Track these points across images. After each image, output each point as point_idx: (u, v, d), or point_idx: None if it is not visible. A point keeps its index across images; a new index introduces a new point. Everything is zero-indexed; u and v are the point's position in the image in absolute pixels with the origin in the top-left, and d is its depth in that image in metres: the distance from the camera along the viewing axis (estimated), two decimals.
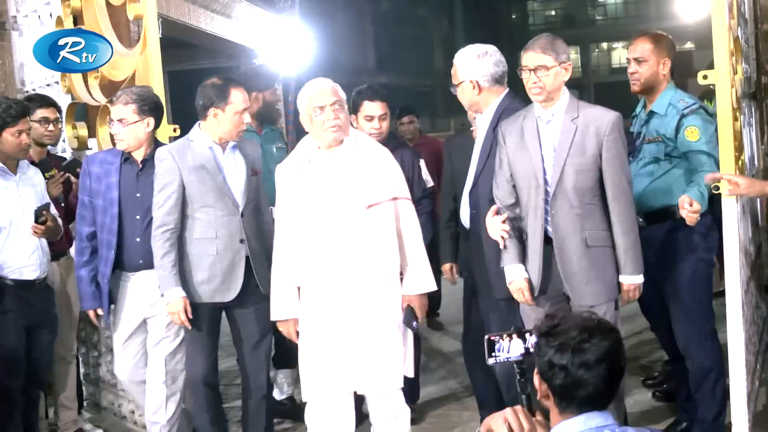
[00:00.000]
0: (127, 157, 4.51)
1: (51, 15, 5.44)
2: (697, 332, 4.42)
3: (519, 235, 4.04)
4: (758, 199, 5.31)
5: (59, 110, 5.17)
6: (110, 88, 4.76)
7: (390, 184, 4.12)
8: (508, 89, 4.39)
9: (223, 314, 4.55)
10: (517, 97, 4.35)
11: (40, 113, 5.00)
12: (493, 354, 2.75)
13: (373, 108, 4.86)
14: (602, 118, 3.93)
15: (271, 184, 4.39)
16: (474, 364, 4.76)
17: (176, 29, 9.79)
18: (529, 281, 4.01)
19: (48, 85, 5.53)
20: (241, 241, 4.38)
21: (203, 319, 4.41)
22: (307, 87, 4.14)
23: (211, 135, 4.36)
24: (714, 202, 4.23)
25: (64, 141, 5.44)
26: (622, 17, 45.86)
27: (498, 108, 4.34)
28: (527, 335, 2.73)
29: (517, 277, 4.03)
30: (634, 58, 4.50)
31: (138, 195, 4.48)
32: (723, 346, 4.31)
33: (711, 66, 3.93)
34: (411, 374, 4.22)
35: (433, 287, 4.23)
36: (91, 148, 5.24)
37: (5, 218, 4.50)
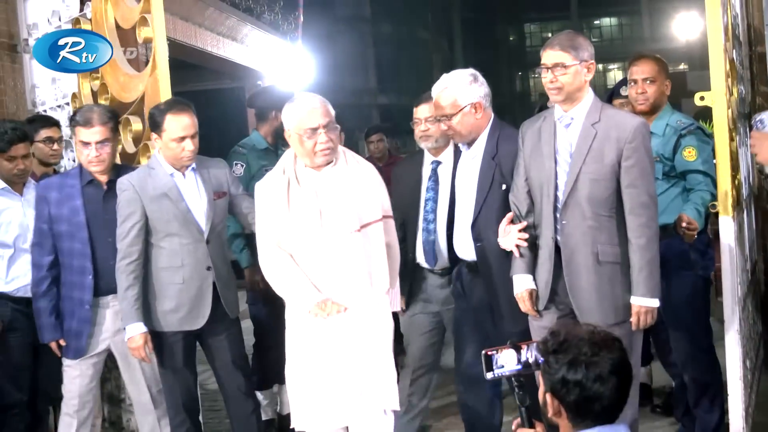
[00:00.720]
0: (90, 180, 4.32)
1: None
2: (695, 348, 4.42)
3: (532, 243, 3.82)
4: (753, 218, 5.31)
5: (62, 129, 5.13)
6: (120, 110, 4.76)
7: (380, 203, 3.90)
8: (493, 113, 4.21)
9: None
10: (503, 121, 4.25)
11: (44, 133, 4.95)
12: (492, 369, 2.71)
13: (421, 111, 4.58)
14: (625, 123, 3.64)
15: None
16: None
17: (183, 51, 9.84)
18: (535, 292, 3.81)
19: (59, 106, 5.54)
20: (208, 269, 4.22)
21: (175, 347, 4.26)
22: (296, 105, 3.82)
23: (169, 161, 4.21)
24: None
25: (73, 160, 5.43)
26: (617, 39, 46.06)
27: (492, 132, 4.14)
28: (523, 348, 2.70)
29: (522, 288, 3.83)
30: (643, 79, 4.45)
31: (106, 217, 4.26)
32: (720, 360, 4.30)
33: (705, 86, 3.94)
34: (398, 407, 3.91)
35: (400, 307, 4.30)
36: None
37: (11, 238, 4.50)
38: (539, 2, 41.52)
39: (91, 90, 5.08)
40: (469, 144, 4.16)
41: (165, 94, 4.50)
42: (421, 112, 4.49)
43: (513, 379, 2.70)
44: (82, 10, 5.19)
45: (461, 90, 4.10)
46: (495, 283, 4.05)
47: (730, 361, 3.99)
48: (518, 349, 2.70)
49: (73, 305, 4.34)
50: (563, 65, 3.63)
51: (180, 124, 4.11)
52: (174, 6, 9.08)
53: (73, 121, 4.33)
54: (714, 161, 4.27)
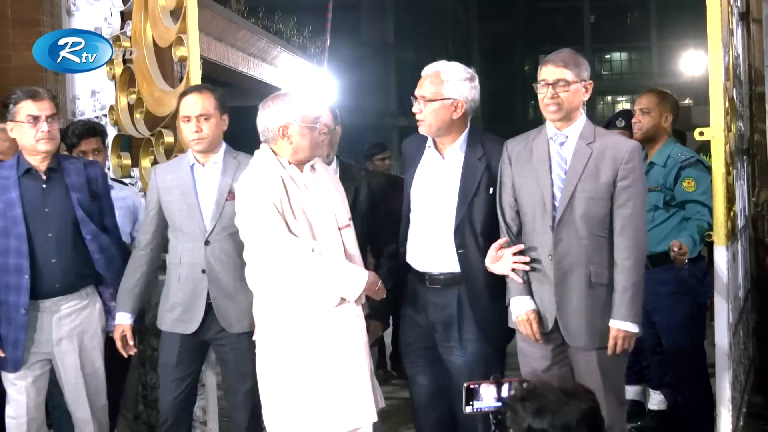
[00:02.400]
0: (28, 169, 3.76)
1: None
2: (689, 370, 4.41)
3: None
4: (747, 248, 5.29)
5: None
6: (154, 123, 4.79)
7: (347, 206, 3.61)
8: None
9: None
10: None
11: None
12: (471, 402, 2.55)
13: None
14: (620, 144, 3.47)
15: None
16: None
17: (215, 70, 9.93)
18: (539, 314, 3.48)
19: (96, 117, 5.57)
20: (203, 272, 3.78)
21: (170, 348, 3.90)
22: (298, 97, 3.55)
23: (188, 148, 3.92)
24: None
25: (108, 169, 5.47)
26: (626, 73, 46.05)
27: (472, 138, 3.71)
28: (505, 384, 2.54)
29: (524, 309, 3.47)
30: (639, 109, 4.52)
31: (47, 210, 3.74)
32: (712, 383, 4.28)
33: (708, 121, 3.95)
34: (383, 404, 3.62)
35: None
36: (133, 176, 5.26)
37: None
38: (554, 35, 41.47)
39: (128, 103, 5.12)
40: (439, 147, 3.76)
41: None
42: None
43: (491, 415, 2.55)
44: (122, 27, 5.24)
45: (452, 82, 3.65)
46: (479, 294, 3.66)
47: (720, 384, 3.97)
48: (500, 385, 2.55)
49: (8, 311, 3.73)
50: (566, 81, 3.41)
51: (186, 104, 3.84)
52: (209, 27, 9.17)
53: (14, 98, 3.76)
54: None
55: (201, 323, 3.83)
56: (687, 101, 31.33)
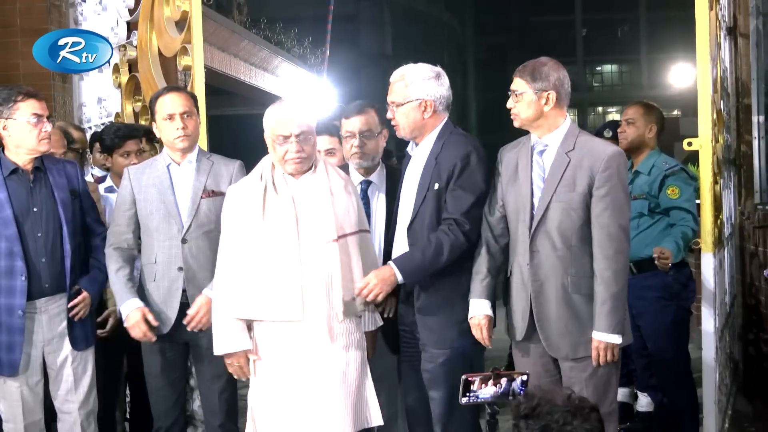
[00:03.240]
0: (14, 170, 3.61)
1: (109, 63, 5.49)
2: (674, 373, 4.42)
3: (496, 269, 3.48)
4: (733, 255, 5.30)
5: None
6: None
7: (356, 215, 3.47)
8: (447, 116, 3.67)
9: None
10: (458, 126, 3.75)
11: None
12: (467, 394, 2.55)
13: (350, 125, 3.90)
14: (599, 152, 3.29)
15: None
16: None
17: (218, 78, 9.93)
18: (492, 320, 3.44)
19: (103, 123, 5.57)
20: (179, 269, 3.68)
21: (154, 356, 3.78)
22: (274, 110, 3.44)
23: (167, 146, 3.80)
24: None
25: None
26: (617, 84, 46.05)
27: (441, 134, 3.61)
28: (503, 378, 2.55)
29: (479, 313, 3.41)
30: (625, 119, 4.57)
31: (35, 210, 3.61)
32: (698, 381, 4.29)
33: (696, 132, 3.97)
34: (381, 422, 3.47)
35: (380, 323, 3.60)
36: None
37: None
38: (547, 48, 41.53)
39: (133, 110, 5.12)
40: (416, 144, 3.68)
41: (201, 116, 4.51)
42: (352, 125, 3.88)
43: (487, 406, 2.56)
44: (128, 37, 5.25)
45: (417, 83, 3.59)
46: (429, 294, 3.54)
47: (706, 387, 3.98)
48: (498, 378, 2.55)
49: (1, 314, 3.60)
50: (518, 92, 3.36)
51: (168, 102, 3.73)
52: (212, 37, 9.17)
53: (12, 95, 3.60)
54: (696, 200, 4.34)
55: (178, 324, 3.69)
56: (675, 112, 31.42)
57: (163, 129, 3.77)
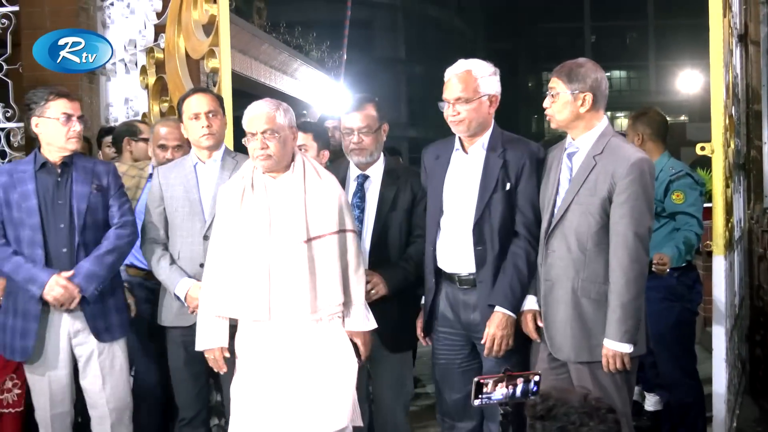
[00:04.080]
0: (43, 164, 3.65)
1: (136, 64, 5.51)
2: (680, 372, 4.41)
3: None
4: (742, 258, 5.28)
5: None
6: None
7: (334, 215, 3.37)
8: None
9: None
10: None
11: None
12: (480, 396, 2.52)
13: (349, 121, 3.76)
14: (624, 158, 3.17)
15: None
16: None
17: (238, 81, 9.94)
18: (538, 315, 3.37)
19: None
20: (201, 266, 3.63)
21: (177, 350, 3.80)
22: (248, 108, 3.43)
23: (194, 145, 3.84)
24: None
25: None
26: (625, 90, 45.90)
27: (495, 133, 3.53)
28: (518, 379, 2.51)
29: (526, 307, 3.39)
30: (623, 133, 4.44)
31: (60, 202, 3.62)
32: (705, 381, 4.27)
33: (703, 137, 3.94)
34: (359, 423, 3.44)
35: (374, 326, 3.46)
36: None
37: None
38: (556, 54, 41.49)
39: (160, 110, 5.12)
40: (463, 145, 3.58)
41: (227, 116, 4.50)
42: (352, 121, 3.74)
43: (500, 407, 2.52)
44: (156, 40, 5.25)
45: (485, 77, 3.48)
46: (489, 293, 3.45)
47: (716, 387, 3.95)
48: (511, 379, 2.52)
49: (17, 300, 3.64)
50: (555, 92, 3.27)
51: (194, 102, 3.77)
52: (233, 41, 9.13)
53: (45, 95, 3.65)
54: (701, 205, 4.38)
55: None
56: (683, 118, 31.33)
57: (189, 128, 3.79)
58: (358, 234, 3.55)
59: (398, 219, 3.72)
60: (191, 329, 3.64)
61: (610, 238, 3.17)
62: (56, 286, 3.54)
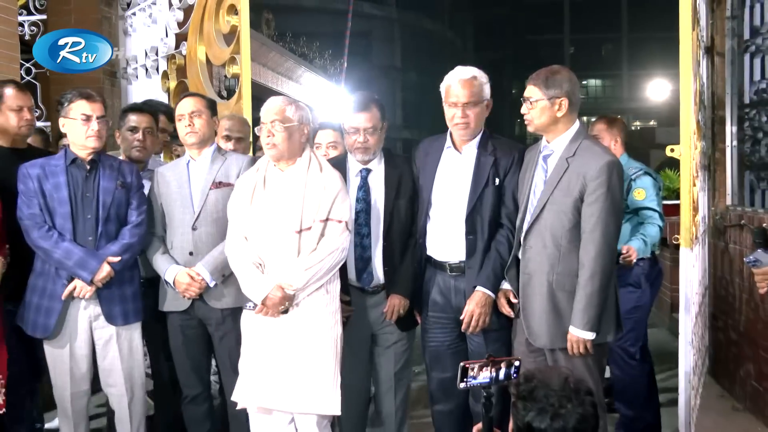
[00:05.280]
0: (74, 159, 3.65)
1: (157, 70, 5.49)
2: (627, 352, 4.44)
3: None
4: (706, 251, 5.29)
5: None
6: None
7: (324, 206, 3.35)
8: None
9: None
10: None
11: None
12: (465, 379, 2.49)
13: (355, 121, 3.64)
14: (594, 161, 3.16)
15: None
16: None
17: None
18: (512, 295, 3.38)
19: None
20: (190, 254, 3.68)
21: (176, 332, 3.81)
22: (266, 102, 3.48)
23: (187, 148, 3.85)
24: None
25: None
26: (600, 97, 45.84)
27: (484, 135, 3.54)
28: (500, 363, 2.50)
29: (502, 287, 3.40)
30: (593, 135, 4.24)
31: (88, 195, 3.63)
32: (671, 361, 4.28)
33: (671, 140, 3.95)
34: (330, 411, 3.40)
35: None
36: None
37: None
38: (538, 63, 41.42)
39: None
40: (455, 144, 3.56)
41: (248, 118, 4.50)
42: (358, 121, 3.61)
43: (483, 389, 2.51)
44: (177, 47, 5.23)
45: (485, 84, 3.52)
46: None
47: (681, 368, 3.95)
48: (494, 364, 2.51)
49: (48, 281, 3.63)
50: (533, 99, 3.25)
51: (180, 105, 3.79)
52: None
53: (69, 97, 3.65)
54: (660, 200, 4.44)
55: (192, 303, 3.73)
56: (652, 123, 31.31)
57: (178, 128, 3.82)
58: (347, 226, 3.44)
59: (404, 205, 3.66)
60: (187, 313, 3.76)
61: (581, 234, 3.17)
62: (104, 271, 3.58)
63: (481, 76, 3.50)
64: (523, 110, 3.30)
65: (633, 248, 4.22)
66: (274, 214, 3.36)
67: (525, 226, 3.29)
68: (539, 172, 3.31)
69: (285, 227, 3.34)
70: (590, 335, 3.15)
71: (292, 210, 3.34)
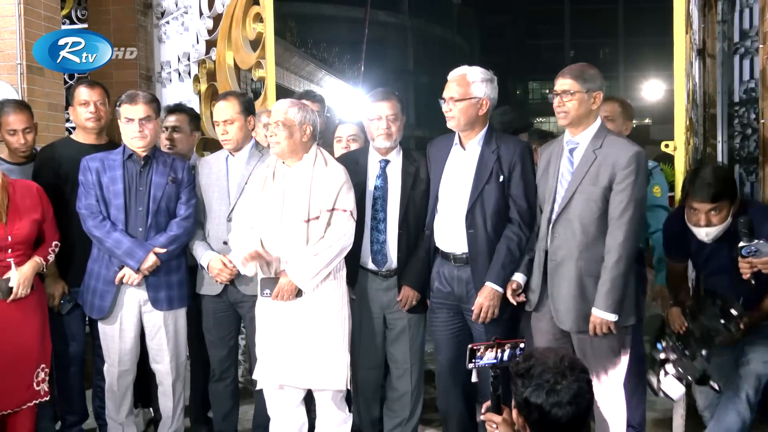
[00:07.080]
0: (130, 155, 3.66)
1: (189, 74, 5.49)
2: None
3: (531, 250, 3.37)
4: None
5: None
6: None
7: (330, 197, 3.36)
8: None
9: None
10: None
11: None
12: (473, 360, 2.51)
13: (379, 109, 3.62)
14: (623, 151, 3.10)
15: None
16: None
17: None
18: (521, 287, 3.36)
19: None
20: (225, 243, 3.70)
21: (207, 313, 3.84)
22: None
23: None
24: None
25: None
26: None
27: (489, 132, 3.47)
28: (505, 345, 2.51)
29: (512, 279, 3.36)
30: (604, 116, 3.75)
31: (141, 189, 3.64)
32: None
33: (665, 137, 3.91)
34: (342, 387, 3.43)
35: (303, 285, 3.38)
36: None
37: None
38: (540, 65, 41.23)
39: (210, 114, 5.09)
40: (462, 141, 3.52)
41: None
42: (381, 109, 3.60)
43: (491, 369, 2.51)
44: (208, 53, 5.24)
45: (477, 83, 3.42)
46: (480, 270, 3.41)
47: None
48: (500, 346, 2.53)
49: (101, 267, 3.66)
50: (569, 92, 3.16)
51: (215, 110, 3.80)
52: None
53: (118, 101, 3.68)
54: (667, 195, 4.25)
55: (225, 288, 3.76)
56: (647, 120, 31.05)
57: (216, 132, 3.85)
58: (352, 215, 3.43)
59: (418, 196, 3.65)
60: (220, 297, 3.78)
61: (609, 221, 3.11)
62: (150, 261, 3.61)
63: (473, 75, 3.43)
64: (556, 102, 3.21)
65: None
66: (284, 205, 3.39)
67: (553, 216, 3.22)
68: (565, 163, 3.24)
69: (294, 217, 3.37)
70: (613, 317, 3.11)
71: (300, 201, 3.37)
